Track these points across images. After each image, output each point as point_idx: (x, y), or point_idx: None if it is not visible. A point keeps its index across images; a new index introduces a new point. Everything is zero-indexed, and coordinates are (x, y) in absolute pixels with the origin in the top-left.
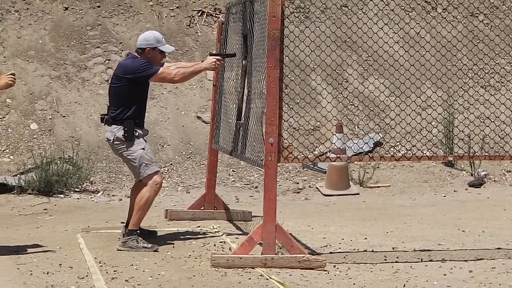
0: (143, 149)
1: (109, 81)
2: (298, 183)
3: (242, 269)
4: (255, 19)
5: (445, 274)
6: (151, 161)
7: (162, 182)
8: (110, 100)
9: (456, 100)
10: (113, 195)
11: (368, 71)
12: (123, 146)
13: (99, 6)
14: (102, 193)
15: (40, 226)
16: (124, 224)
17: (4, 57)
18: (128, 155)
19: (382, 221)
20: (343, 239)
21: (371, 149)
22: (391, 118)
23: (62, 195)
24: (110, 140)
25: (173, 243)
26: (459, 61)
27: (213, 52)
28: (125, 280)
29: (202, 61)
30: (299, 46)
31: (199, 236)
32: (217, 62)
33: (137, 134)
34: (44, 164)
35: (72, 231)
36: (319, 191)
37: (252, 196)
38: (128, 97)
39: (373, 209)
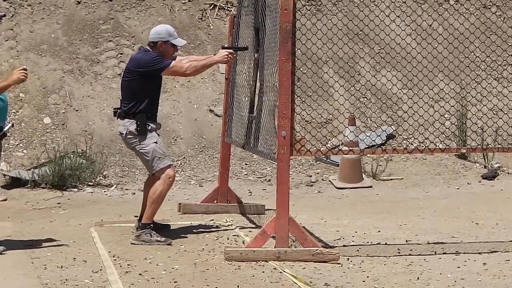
0: (156, 142)
1: (122, 75)
2: (311, 176)
3: (255, 262)
4: (267, 12)
5: (459, 267)
6: (164, 155)
7: (175, 176)
8: (123, 94)
9: (469, 92)
10: (126, 189)
11: (380, 64)
12: (135, 140)
13: (111, 0)
14: (115, 187)
15: (54, 220)
16: (138, 218)
17: (17, 51)
18: (140, 149)
19: (395, 214)
20: (356, 232)
21: (383, 141)
22: (403, 111)
23: (75, 189)
24: (123, 134)
25: (187, 237)
26: (472, 53)
27: (225, 45)
28: (139, 274)
29: (214, 55)
30: (311, 39)
31: (212, 229)
32: (229, 55)
33: (149, 128)
34: (58, 158)
35: (85, 225)
36: (332, 184)
37: (265, 189)
38: (141, 91)
39: (386, 202)
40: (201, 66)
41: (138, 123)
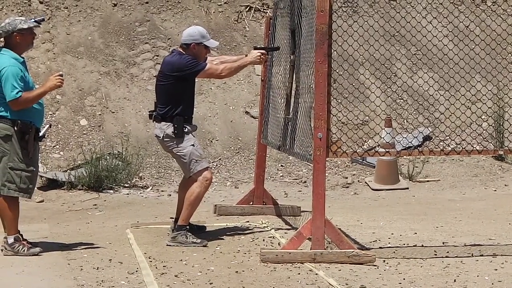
0: (193, 145)
1: (156, 78)
2: (347, 178)
3: (291, 264)
4: (303, 14)
5: (496, 269)
6: (201, 157)
7: (212, 178)
8: (158, 97)
9: (506, 94)
10: (162, 191)
11: (417, 65)
12: (173, 143)
13: (147, 2)
14: (151, 189)
15: (90, 221)
16: (173, 219)
17: (54, 53)
18: (178, 152)
19: (432, 215)
20: (392, 234)
21: (420, 143)
22: (440, 112)
23: (111, 191)
24: (160, 137)
25: (222, 238)
26: (510, 55)
27: (257, 46)
28: (175, 276)
29: (247, 55)
30: (347, 40)
31: (248, 231)
32: (261, 56)
33: (186, 130)
34: (94, 159)
35: (121, 227)
36: (368, 185)
37: (300, 191)
38: (176, 94)
39: (422, 203)
40: (235, 68)
41: (176, 125)
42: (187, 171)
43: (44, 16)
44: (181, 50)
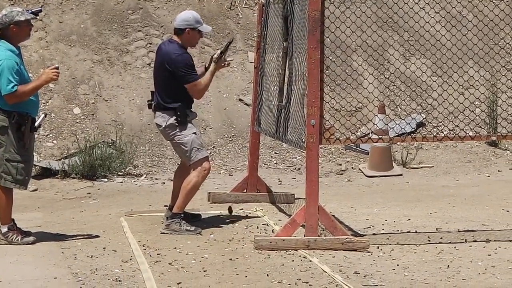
0: (195, 133)
1: (154, 67)
2: (340, 165)
3: (285, 251)
4: (296, 1)
5: (490, 255)
6: (202, 146)
7: (210, 168)
8: (158, 86)
9: (499, 79)
10: (156, 179)
11: (410, 51)
12: (175, 131)
13: None
14: (145, 177)
15: (84, 210)
16: (168, 207)
17: (47, 42)
18: (179, 139)
19: (426, 202)
20: (386, 220)
21: (413, 129)
22: (433, 98)
23: (105, 179)
24: (162, 126)
25: (216, 226)
26: (502, 40)
27: (213, 55)
28: (169, 263)
29: (206, 66)
30: (340, 27)
31: (242, 218)
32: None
33: (189, 118)
34: (88, 148)
35: (115, 215)
36: (362, 172)
37: (294, 178)
38: (177, 83)
39: (416, 190)
40: (206, 86)
41: (179, 113)
42: (187, 159)
43: (42, 7)
44: (176, 39)
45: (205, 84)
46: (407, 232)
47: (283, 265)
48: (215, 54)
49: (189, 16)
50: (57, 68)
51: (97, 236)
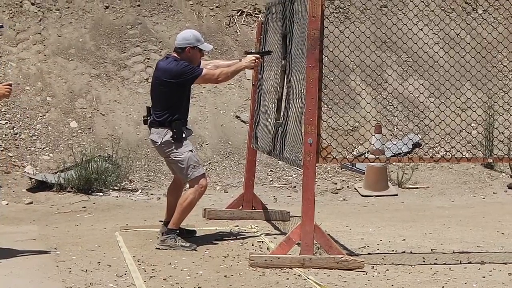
0: (191, 151)
1: (152, 83)
2: (336, 184)
3: (280, 269)
4: (295, 19)
5: (484, 277)
6: (198, 163)
7: (207, 186)
8: (155, 102)
9: (496, 102)
10: (151, 194)
11: (407, 72)
12: (171, 148)
13: (139, 5)
14: (140, 192)
15: (79, 224)
16: (163, 223)
17: (45, 55)
18: (176, 157)
19: (421, 222)
20: (381, 240)
21: (410, 150)
22: (430, 119)
23: (101, 193)
24: (157, 142)
25: (211, 243)
26: (500, 63)
27: (250, 51)
28: (163, 279)
29: (241, 60)
30: (338, 46)
31: (237, 235)
32: (256, 60)
33: (185, 134)
34: (84, 162)
35: (110, 229)
36: (358, 191)
37: (290, 196)
38: (174, 100)
39: (411, 210)
40: (231, 72)
41: (175, 130)
42: (184, 177)
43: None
44: (176, 55)
45: (226, 71)
46: (402, 252)
47: (277, 282)
48: (251, 50)
49: (189, 35)
50: (10, 85)
51: (92, 250)
